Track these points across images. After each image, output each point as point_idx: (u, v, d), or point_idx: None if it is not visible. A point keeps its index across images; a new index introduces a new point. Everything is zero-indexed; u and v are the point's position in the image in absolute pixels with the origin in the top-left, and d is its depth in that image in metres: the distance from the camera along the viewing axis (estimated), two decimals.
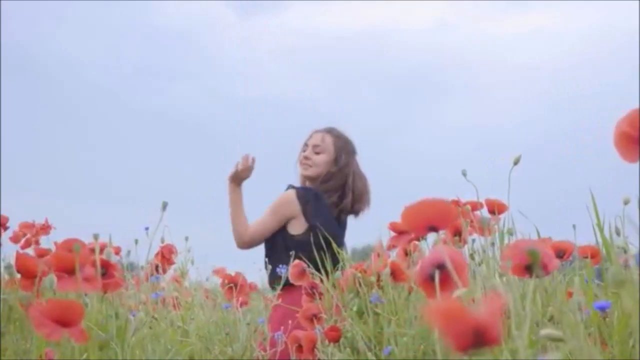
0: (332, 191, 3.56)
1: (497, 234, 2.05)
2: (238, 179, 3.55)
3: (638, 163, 1.95)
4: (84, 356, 1.71)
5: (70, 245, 1.70)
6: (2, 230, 2.42)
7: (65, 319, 1.21)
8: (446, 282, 1.25)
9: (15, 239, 3.00)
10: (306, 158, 3.62)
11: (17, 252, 1.79)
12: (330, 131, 3.69)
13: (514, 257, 1.33)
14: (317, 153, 3.61)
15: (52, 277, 1.65)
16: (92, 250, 1.41)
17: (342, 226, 3.62)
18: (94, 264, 1.41)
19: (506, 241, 2.08)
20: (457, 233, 2.23)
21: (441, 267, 1.25)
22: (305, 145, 3.65)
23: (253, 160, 3.57)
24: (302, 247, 3.19)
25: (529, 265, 1.31)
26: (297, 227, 3.48)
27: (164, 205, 1.90)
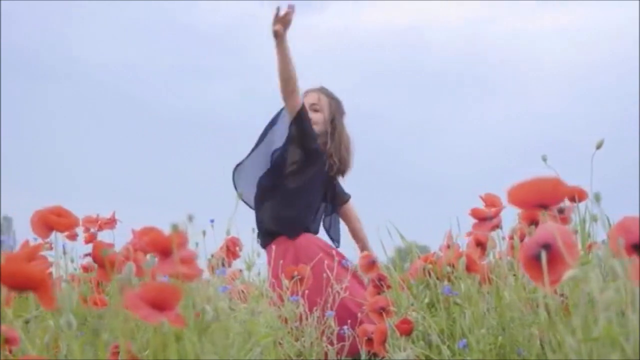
0: (329, 152, 3.51)
1: (577, 221, 1.99)
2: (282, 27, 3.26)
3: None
4: (160, 348, 1.67)
5: (148, 234, 1.67)
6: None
7: (162, 303, 1.17)
8: (553, 262, 1.20)
9: (71, 237, 2.97)
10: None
11: (95, 241, 1.76)
12: (324, 90, 3.62)
13: (624, 236, 1.26)
14: (315, 111, 3.52)
15: (132, 265, 1.61)
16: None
17: (332, 186, 3.59)
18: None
19: (587, 228, 2.02)
20: (533, 222, 2.16)
21: (547, 246, 1.20)
22: (313, 104, 3.50)
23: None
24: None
25: (638, 244, 1.24)
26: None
27: (240, 196, 1.87)
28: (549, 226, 1.21)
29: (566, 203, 2.05)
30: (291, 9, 3.23)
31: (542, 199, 1.22)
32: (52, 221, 1.79)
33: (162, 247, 1.32)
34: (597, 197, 1.21)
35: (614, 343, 1.05)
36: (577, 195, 2.05)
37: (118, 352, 1.60)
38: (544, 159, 2.00)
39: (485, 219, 2.13)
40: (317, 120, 3.50)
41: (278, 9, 3.21)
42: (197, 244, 2.44)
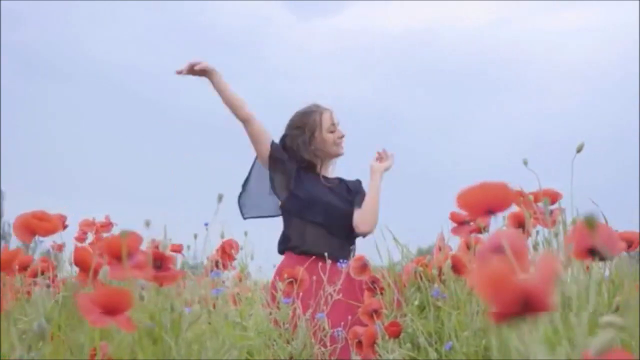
0: None
1: (560, 224, 1.98)
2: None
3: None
4: (137, 350, 1.70)
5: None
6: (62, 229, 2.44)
7: (113, 307, 1.20)
8: None
9: (80, 239, 3.03)
10: (343, 137, 3.55)
11: (76, 246, 1.79)
12: None
13: (577, 240, 1.26)
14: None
15: (107, 268, 1.64)
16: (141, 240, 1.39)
17: None
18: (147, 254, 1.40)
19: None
20: (521, 225, 2.15)
21: (500, 252, 1.20)
22: (333, 125, 3.52)
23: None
24: None
25: (593, 248, 1.25)
26: None
27: (220, 197, 1.88)
28: (500, 232, 1.21)
29: (549, 206, 2.04)
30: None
31: (491, 205, 1.22)
32: (34, 225, 1.81)
33: (116, 251, 1.34)
34: (545, 202, 1.21)
35: (553, 345, 1.05)
36: (550, 198, 2.02)
37: (95, 355, 1.63)
38: (525, 163, 1.99)
39: (464, 223, 2.13)
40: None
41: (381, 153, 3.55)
42: (188, 247, 2.48)
